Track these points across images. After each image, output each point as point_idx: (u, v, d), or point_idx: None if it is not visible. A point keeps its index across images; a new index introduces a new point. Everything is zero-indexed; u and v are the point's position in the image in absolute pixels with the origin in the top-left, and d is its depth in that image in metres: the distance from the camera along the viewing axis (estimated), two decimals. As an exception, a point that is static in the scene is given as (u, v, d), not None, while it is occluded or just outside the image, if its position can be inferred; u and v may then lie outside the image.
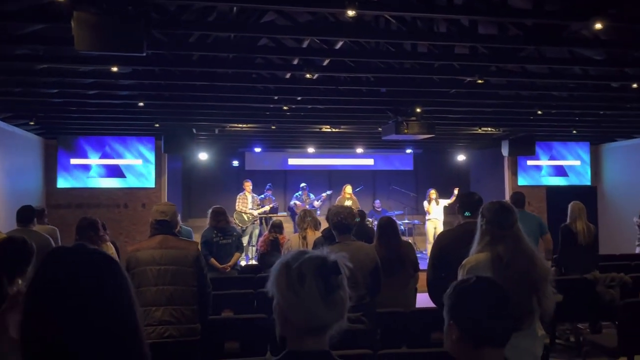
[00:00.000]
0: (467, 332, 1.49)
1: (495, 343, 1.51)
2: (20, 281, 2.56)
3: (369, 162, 15.74)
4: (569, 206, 6.19)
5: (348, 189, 11.22)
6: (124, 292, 1.17)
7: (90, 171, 11.22)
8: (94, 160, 11.24)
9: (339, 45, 5.72)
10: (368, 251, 4.01)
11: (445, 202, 11.63)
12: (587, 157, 12.94)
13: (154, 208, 3.82)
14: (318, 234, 5.73)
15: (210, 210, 6.30)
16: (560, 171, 12.87)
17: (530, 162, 12.66)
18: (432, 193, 11.63)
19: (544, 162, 12.79)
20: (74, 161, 11.16)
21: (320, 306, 1.34)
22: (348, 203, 10.42)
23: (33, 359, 1.08)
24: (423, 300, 4.75)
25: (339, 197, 11.35)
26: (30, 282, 1.13)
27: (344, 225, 3.90)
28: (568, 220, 6.11)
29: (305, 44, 5.81)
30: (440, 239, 3.97)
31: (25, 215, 5.43)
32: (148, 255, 3.57)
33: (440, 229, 11.00)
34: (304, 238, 5.60)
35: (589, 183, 12.90)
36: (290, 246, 5.67)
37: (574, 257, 5.87)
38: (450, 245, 3.68)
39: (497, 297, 1.53)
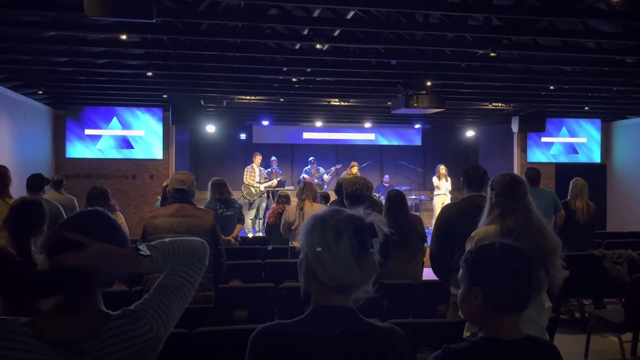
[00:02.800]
0: (491, 297, 1.49)
1: (517, 308, 1.52)
2: (35, 242, 2.57)
3: (377, 136, 15.66)
4: (571, 183, 6.19)
5: (354, 169, 11.13)
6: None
7: (98, 142, 11.24)
8: (103, 131, 11.25)
9: (349, 15, 5.63)
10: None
11: (448, 185, 11.59)
12: (597, 135, 12.81)
13: (173, 177, 3.84)
14: (316, 205, 5.78)
15: (210, 183, 6.20)
16: (570, 148, 12.76)
17: (540, 139, 12.56)
18: (442, 169, 11.61)
19: (554, 139, 12.67)
20: (82, 131, 11.18)
21: (352, 266, 1.35)
22: None
23: None
24: (430, 273, 4.78)
25: (344, 173, 11.31)
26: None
27: (357, 195, 3.90)
28: (568, 197, 6.11)
29: (315, 14, 5.72)
30: (444, 212, 3.95)
31: (36, 182, 5.46)
32: (165, 222, 3.59)
33: (448, 204, 10.98)
34: (301, 209, 5.65)
35: (598, 161, 12.80)
36: (287, 216, 5.76)
37: (569, 235, 5.85)
38: (455, 218, 3.67)
39: (523, 263, 1.53)
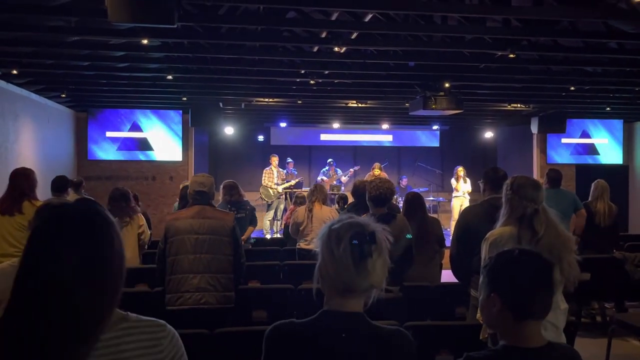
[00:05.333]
0: (510, 304, 1.49)
1: (537, 316, 1.51)
2: None
3: (395, 138, 15.62)
4: (592, 184, 6.10)
5: (377, 171, 11.04)
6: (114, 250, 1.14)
7: (119, 144, 11.42)
8: (123, 133, 11.42)
9: (367, 17, 5.65)
10: (401, 224, 4.06)
11: (467, 186, 11.49)
12: (619, 135, 12.61)
13: (193, 179, 3.92)
14: (325, 208, 5.82)
15: (222, 185, 6.20)
16: (590, 149, 12.59)
17: (560, 140, 12.41)
18: (460, 170, 11.56)
19: (575, 140, 12.51)
20: (103, 134, 11.36)
21: (351, 270, 1.39)
22: None
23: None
24: (447, 275, 4.77)
25: (367, 175, 11.26)
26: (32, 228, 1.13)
27: (381, 199, 3.96)
28: (589, 199, 6.02)
29: (334, 17, 5.75)
30: (464, 215, 3.95)
31: (60, 184, 5.61)
32: (187, 224, 3.66)
33: (466, 206, 10.91)
34: (310, 211, 5.71)
35: (620, 162, 12.60)
36: (296, 217, 5.83)
37: (590, 237, 5.77)
38: (475, 220, 3.66)
39: (542, 269, 1.52)
